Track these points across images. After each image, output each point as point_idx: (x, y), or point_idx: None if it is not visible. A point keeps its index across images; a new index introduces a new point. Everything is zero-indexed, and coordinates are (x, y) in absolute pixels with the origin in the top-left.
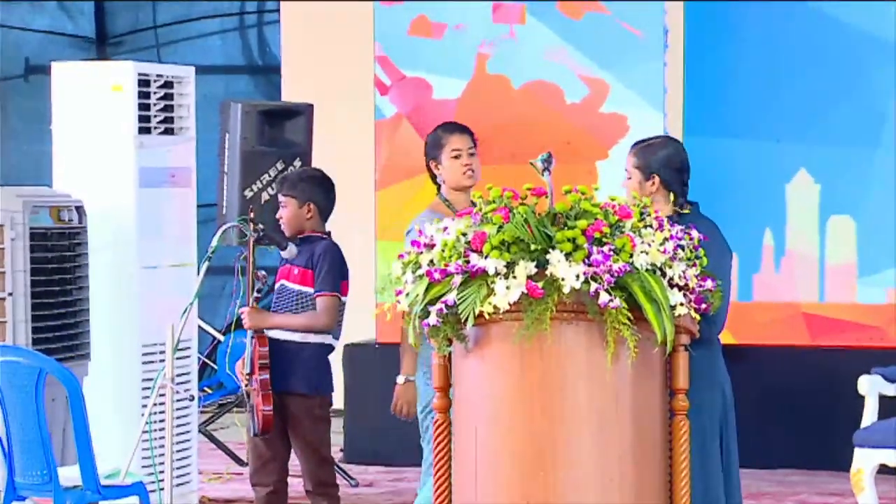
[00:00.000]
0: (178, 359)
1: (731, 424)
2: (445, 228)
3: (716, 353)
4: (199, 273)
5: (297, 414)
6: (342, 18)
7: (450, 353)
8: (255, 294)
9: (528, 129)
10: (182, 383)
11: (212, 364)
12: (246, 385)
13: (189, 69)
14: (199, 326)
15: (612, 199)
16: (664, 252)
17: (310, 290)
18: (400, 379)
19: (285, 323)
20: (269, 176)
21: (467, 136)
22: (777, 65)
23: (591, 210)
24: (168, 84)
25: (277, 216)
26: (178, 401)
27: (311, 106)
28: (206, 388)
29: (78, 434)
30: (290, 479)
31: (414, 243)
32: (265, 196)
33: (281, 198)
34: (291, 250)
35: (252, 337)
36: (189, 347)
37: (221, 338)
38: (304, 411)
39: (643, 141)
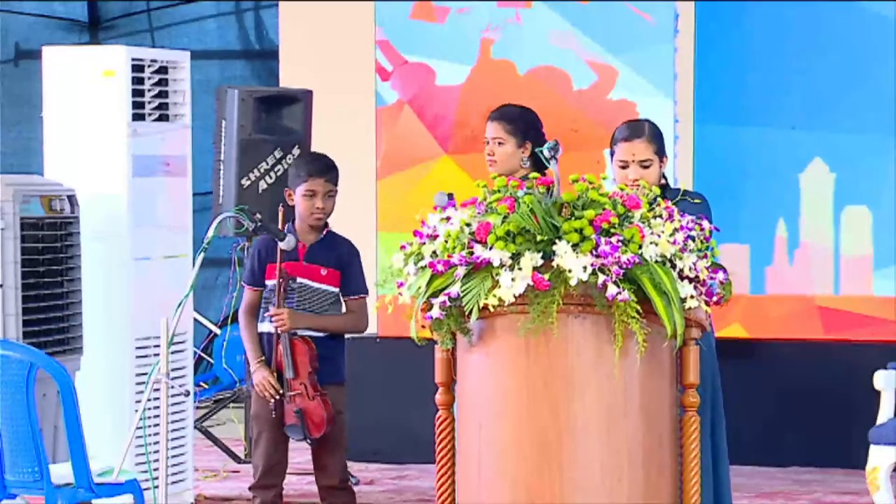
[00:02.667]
0: (172, 353)
1: (721, 419)
2: (449, 219)
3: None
4: (194, 264)
5: (337, 405)
6: (342, 1)
7: (453, 348)
8: (283, 293)
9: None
10: (177, 378)
11: (208, 358)
12: (287, 391)
13: (184, 54)
14: (195, 319)
15: (621, 189)
16: (674, 243)
17: (336, 289)
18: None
19: (326, 325)
20: (267, 164)
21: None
22: (791, 50)
23: (599, 200)
24: (162, 69)
25: (320, 206)
26: (172, 396)
27: (310, 92)
28: (201, 384)
29: (70, 430)
30: (289, 478)
31: (417, 234)
32: (262, 185)
33: (331, 186)
34: (290, 241)
35: (290, 339)
36: (184, 341)
37: (218, 331)
38: (340, 402)
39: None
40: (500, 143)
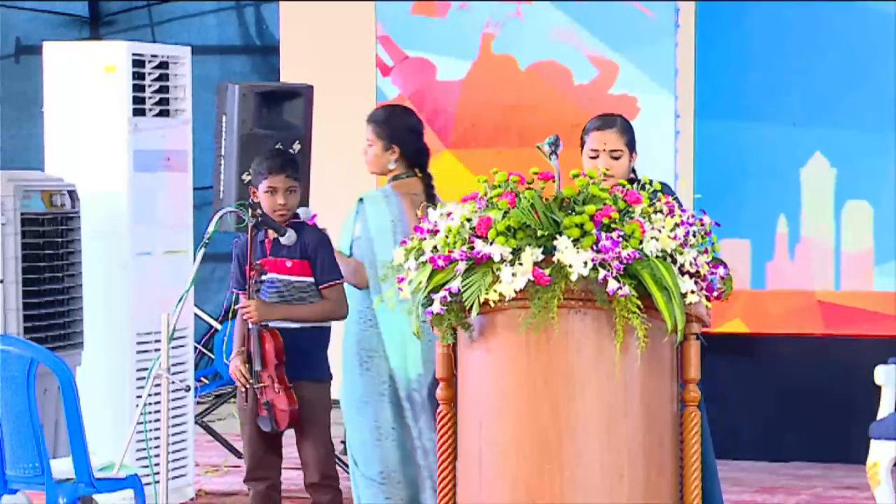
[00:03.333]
0: (173, 348)
1: (704, 415)
2: (449, 214)
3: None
4: (195, 260)
5: (312, 402)
6: None
7: (454, 343)
8: (254, 285)
9: (535, 112)
10: (178, 373)
11: (208, 353)
12: (255, 383)
13: (185, 49)
14: (195, 315)
15: (622, 184)
16: (675, 238)
17: (309, 279)
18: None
19: (300, 314)
20: None
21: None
22: (791, 47)
23: (600, 195)
24: (163, 64)
25: (282, 202)
26: (173, 391)
27: (311, 87)
28: (202, 379)
29: (71, 425)
30: (290, 473)
31: (417, 229)
32: None
33: (291, 182)
34: (291, 236)
35: (259, 331)
36: (185, 336)
37: (218, 326)
38: (319, 398)
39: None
40: (369, 145)
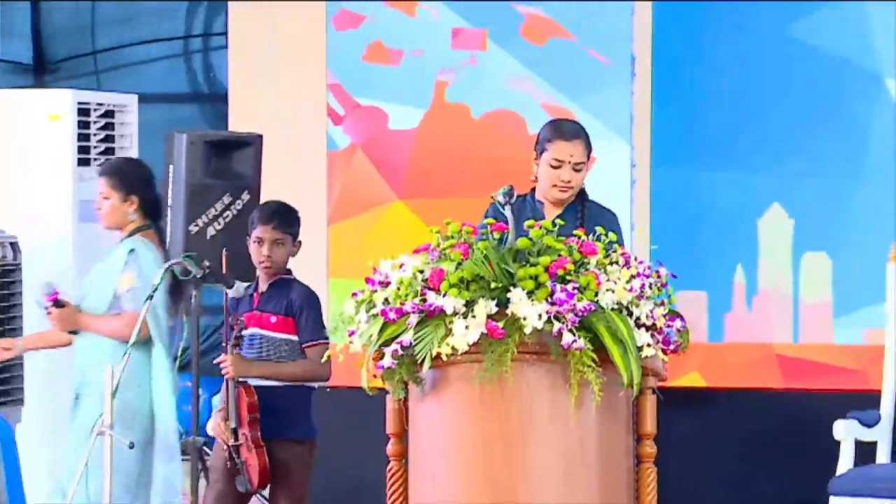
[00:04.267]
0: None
1: None
2: (402, 265)
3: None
4: (140, 313)
5: (288, 462)
6: (293, 44)
7: (405, 398)
8: (233, 339)
9: (488, 161)
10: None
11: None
12: (233, 441)
13: (131, 97)
14: None
15: (576, 235)
16: (630, 290)
17: (293, 337)
18: None
19: (280, 373)
20: (216, 210)
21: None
22: (750, 94)
23: (555, 246)
24: (109, 113)
25: (266, 254)
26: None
27: (261, 136)
28: None
29: (10, 483)
30: None
31: (369, 281)
32: (211, 230)
33: (278, 234)
34: (239, 289)
35: (235, 387)
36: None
37: None
38: (296, 458)
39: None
40: (105, 198)
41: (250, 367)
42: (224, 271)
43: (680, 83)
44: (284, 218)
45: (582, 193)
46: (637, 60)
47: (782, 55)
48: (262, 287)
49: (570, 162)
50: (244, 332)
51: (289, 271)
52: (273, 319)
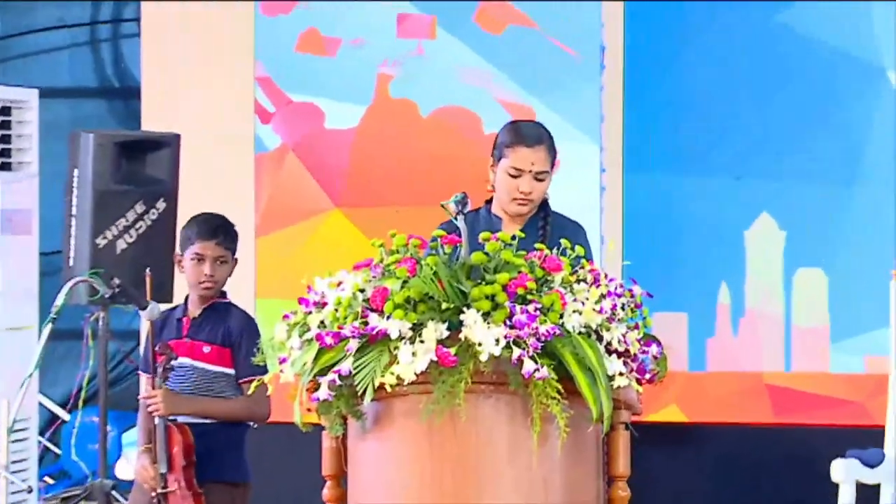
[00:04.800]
0: (13, 441)
1: None
2: (340, 283)
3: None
4: (40, 337)
5: None
6: (215, 31)
7: (344, 435)
8: (161, 371)
9: (439, 165)
10: (18, 471)
11: (54, 448)
12: (162, 488)
13: (31, 92)
14: (40, 403)
15: (539, 248)
16: (600, 311)
17: (229, 370)
18: None
19: (215, 411)
20: (127, 220)
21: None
22: (736, 90)
23: (514, 261)
24: (5, 110)
25: (209, 273)
26: (13, 493)
27: (178, 136)
28: (46, 478)
29: None
30: None
31: (302, 301)
32: (122, 244)
33: (222, 251)
34: (153, 311)
35: (166, 426)
36: (27, 428)
37: (66, 416)
38: (230, 502)
39: None
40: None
41: (182, 404)
42: (147, 294)
43: (656, 77)
44: (228, 233)
45: (545, 205)
46: (607, 51)
47: (773, 45)
48: (194, 311)
49: (531, 171)
50: (173, 363)
51: (224, 294)
52: (206, 349)
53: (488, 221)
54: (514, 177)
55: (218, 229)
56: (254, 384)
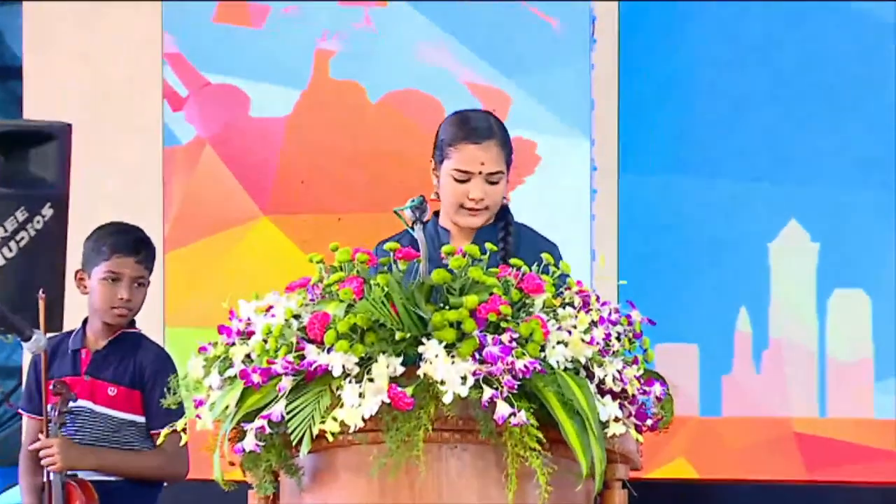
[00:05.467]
0: None
1: None
2: (269, 308)
3: None
4: None
5: None
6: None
7: (275, 494)
8: (57, 416)
9: (391, 162)
10: None
11: None
12: None
13: None
14: None
15: (516, 265)
16: (591, 342)
17: (139, 418)
18: None
19: (122, 467)
20: (6, 230)
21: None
22: (755, 70)
23: (485, 280)
24: None
25: (126, 296)
26: None
27: (68, 127)
28: None
29: None
30: None
31: (223, 330)
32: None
33: (141, 271)
34: (39, 342)
35: (64, 484)
36: None
37: None
38: None
39: None
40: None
41: (84, 457)
42: (40, 321)
43: (657, 55)
44: (150, 250)
45: (504, 213)
46: (598, 22)
47: (804, 14)
48: (97, 343)
49: (480, 172)
50: (72, 405)
51: (133, 323)
52: (112, 391)
53: (434, 237)
54: (460, 181)
55: (140, 244)
56: (164, 432)
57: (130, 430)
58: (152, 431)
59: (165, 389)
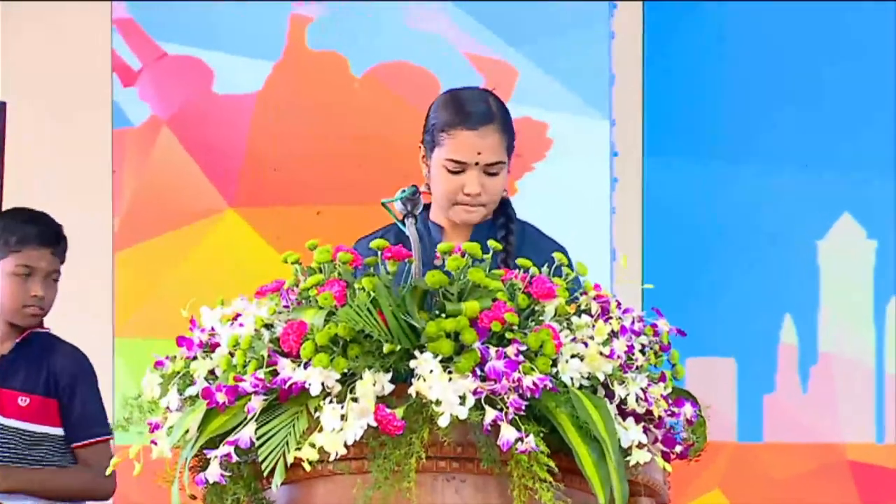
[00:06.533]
0: None
1: None
2: (236, 316)
3: None
4: None
5: None
6: None
7: None
8: None
9: (378, 146)
10: None
11: None
12: None
13: None
14: None
15: (523, 264)
16: (611, 356)
17: (57, 430)
18: None
19: (43, 486)
20: None
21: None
22: (803, 40)
23: (487, 284)
24: None
25: (39, 293)
26: None
27: (2, 105)
28: None
29: None
30: None
31: (182, 341)
32: None
33: (57, 265)
34: None
35: None
36: None
37: None
38: None
39: None
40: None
41: (13, 478)
42: None
43: (689, 20)
44: (64, 241)
45: (504, 208)
46: None
47: None
48: (1, 347)
49: (477, 163)
50: None
51: (41, 323)
52: (24, 401)
53: (423, 234)
54: (454, 172)
55: (57, 233)
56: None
57: (46, 445)
58: (73, 445)
59: (91, 396)
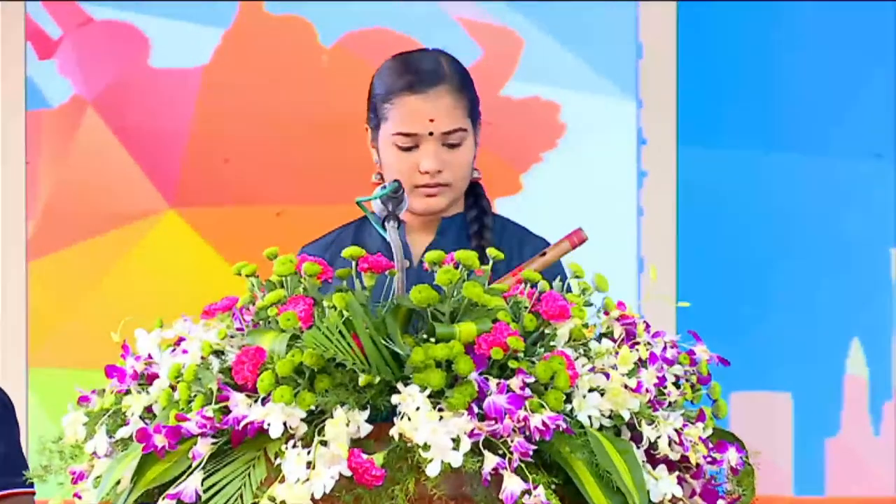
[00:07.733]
0: None
1: None
2: (179, 341)
3: None
4: None
5: None
6: None
7: None
8: None
9: (351, 132)
10: None
11: None
12: None
13: None
14: None
15: (529, 277)
16: (637, 390)
17: None
18: None
19: None
20: None
21: None
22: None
23: (486, 301)
24: None
25: None
26: None
27: None
28: None
29: None
30: None
31: (112, 371)
32: None
33: None
34: None
35: None
36: None
37: None
38: None
39: None
40: None
41: None
42: None
43: None
44: None
45: (476, 196)
46: None
47: None
48: None
49: (431, 133)
50: None
51: None
52: None
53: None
54: (405, 148)
55: None
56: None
57: None
58: None
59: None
